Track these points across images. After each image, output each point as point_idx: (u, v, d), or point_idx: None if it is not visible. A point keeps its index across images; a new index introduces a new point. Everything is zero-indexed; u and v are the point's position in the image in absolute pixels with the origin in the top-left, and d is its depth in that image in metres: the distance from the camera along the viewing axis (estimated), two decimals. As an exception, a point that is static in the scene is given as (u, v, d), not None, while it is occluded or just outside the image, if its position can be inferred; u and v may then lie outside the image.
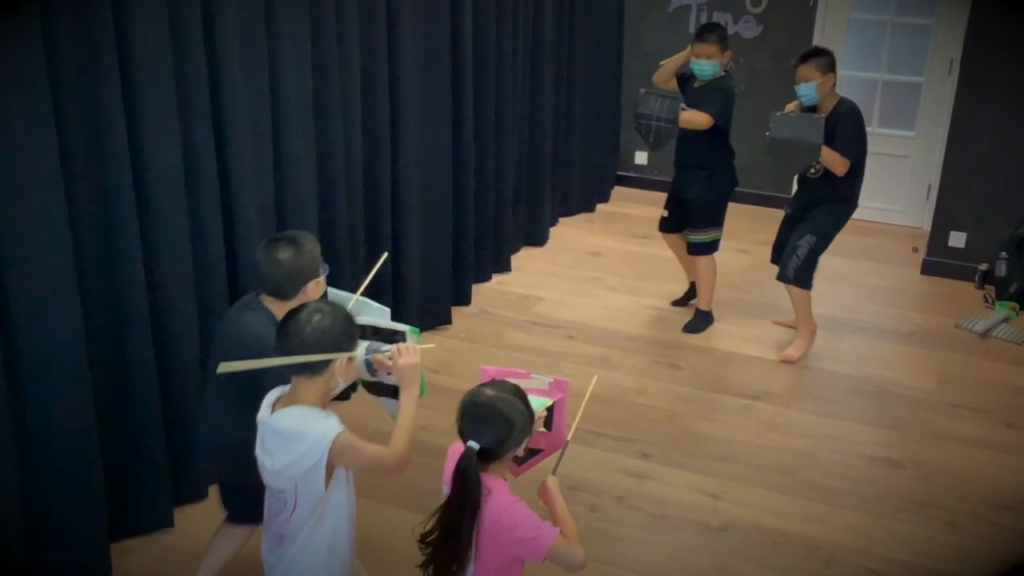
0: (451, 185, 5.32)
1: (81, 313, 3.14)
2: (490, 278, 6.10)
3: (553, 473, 2.55)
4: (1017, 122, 6.12)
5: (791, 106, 4.91)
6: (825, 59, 4.76)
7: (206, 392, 3.07)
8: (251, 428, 2.59)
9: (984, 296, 6.24)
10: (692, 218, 5.39)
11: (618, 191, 7.93)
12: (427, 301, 5.34)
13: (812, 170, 4.85)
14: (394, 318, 3.20)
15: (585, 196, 7.56)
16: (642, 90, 5.20)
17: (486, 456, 2.31)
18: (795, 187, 5.41)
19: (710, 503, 3.98)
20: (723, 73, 5.13)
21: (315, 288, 2.96)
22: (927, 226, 6.87)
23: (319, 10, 4.08)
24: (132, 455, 3.52)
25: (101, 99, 3.13)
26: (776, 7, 7.39)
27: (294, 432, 2.42)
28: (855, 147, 4.76)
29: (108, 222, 3.26)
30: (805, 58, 4.78)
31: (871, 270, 6.59)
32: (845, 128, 4.73)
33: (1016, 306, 5.97)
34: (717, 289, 5.91)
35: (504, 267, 6.23)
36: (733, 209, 5.58)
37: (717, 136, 5.11)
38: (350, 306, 2.76)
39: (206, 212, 3.63)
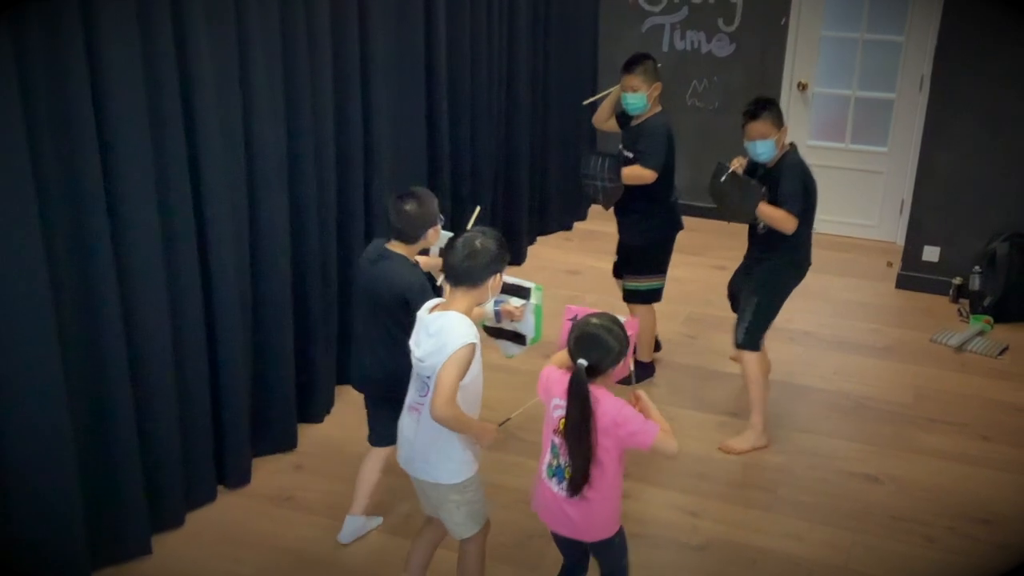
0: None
1: (57, 342, 3.12)
2: (468, 298, 6.09)
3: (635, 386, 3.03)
4: (987, 136, 6.19)
5: (736, 163, 4.47)
6: (776, 111, 4.34)
7: (363, 330, 3.68)
8: (403, 359, 3.18)
9: (959, 310, 6.29)
10: (629, 262, 5.06)
11: (595, 209, 7.94)
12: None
13: (760, 226, 4.49)
14: None
15: (562, 214, 7.58)
16: (581, 152, 4.98)
17: (592, 372, 2.80)
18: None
19: (689, 521, 3.98)
20: (659, 108, 4.82)
21: (434, 234, 3.56)
22: (901, 241, 6.92)
23: (291, 33, 4.08)
24: (109, 483, 3.49)
25: (73, 131, 3.12)
26: (749, 26, 7.46)
27: (441, 330, 2.92)
28: (801, 202, 4.30)
29: (82, 249, 3.24)
30: (755, 113, 4.31)
31: (846, 285, 6.63)
32: (790, 183, 4.30)
33: (990, 319, 6.02)
34: (694, 304, 5.93)
35: (481, 286, 6.21)
36: (708, 225, 5.60)
37: (655, 179, 4.77)
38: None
39: (180, 232, 3.61)
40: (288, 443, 4.40)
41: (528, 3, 6.62)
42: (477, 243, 2.95)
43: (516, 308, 3.57)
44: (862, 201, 7.52)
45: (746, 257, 4.78)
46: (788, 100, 7.52)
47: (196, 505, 3.93)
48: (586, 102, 5.25)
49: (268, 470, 4.25)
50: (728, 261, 6.53)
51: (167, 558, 3.68)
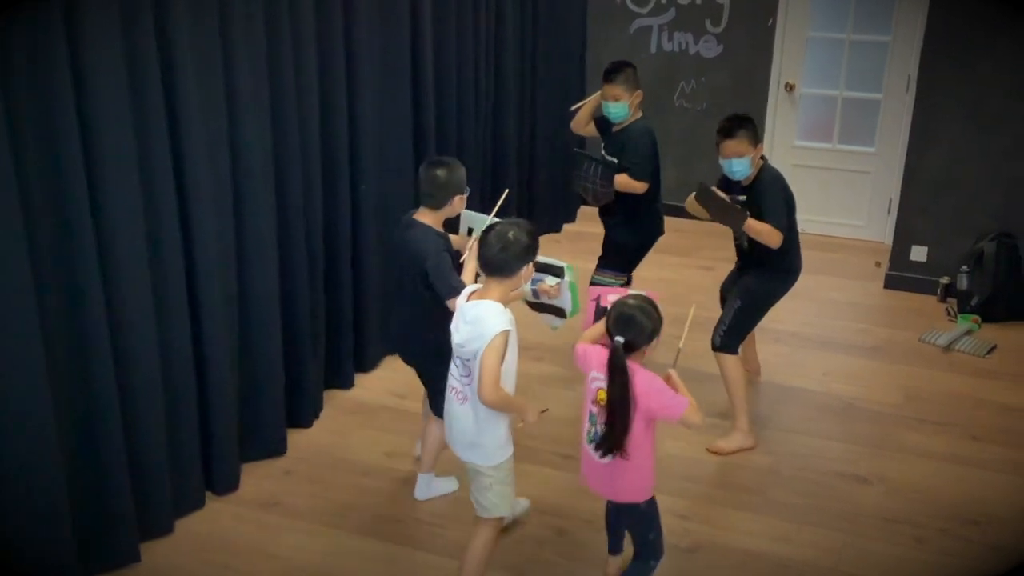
0: (411, 206, 5.28)
1: (42, 348, 3.08)
2: (456, 301, 6.07)
3: (673, 367, 3.25)
4: (974, 136, 6.21)
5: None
6: (752, 128, 4.31)
7: (399, 296, 3.91)
8: (435, 327, 3.54)
9: (946, 309, 6.30)
10: (605, 255, 5.11)
11: (584, 211, 7.94)
12: (389, 326, 5.31)
13: (746, 244, 4.53)
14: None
15: (551, 217, 7.57)
16: (575, 150, 4.90)
17: (628, 348, 3.07)
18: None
19: (679, 524, 3.97)
20: (640, 114, 4.86)
21: (459, 201, 3.80)
22: (889, 241, 6.94)
23: (275, 35, 4.05)
24: (97, 491, 3.46)
25: (56, 134, 3.09)
26: (736, 27, 7.47)
27: (477, 319, 3.11)
28: (785, 216, 4.33)
29: (67, 254, 3.20)
30: (731, 131, 4.29)
31: (835, 285, 6.64)
32: (771, 198, 4.33)
33: (978, 319, 6.03)
34: (681, 306, 5.89)
35: (470, 289, 6.20)
36: (695, 227, 5.56)
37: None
38: (487, 223, 3.55)
39: (165, 235, 3.57)
40: (277, 449, 4.38)
41: (515, 5, 6.61)
42: (510, 235, 3.13)
43: (551, 287, 3.83)
44: (850, 201, 7.54)
45: (737, 264, 4.80)
46: (775, 101, 7.54)
47: (184, 512, 3.90)
48: (573, 107, 5.24)
49: (257, 476, 4.22)
50: (715, 262, 6.55)
51: (156, 566, 3.65)
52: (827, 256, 7.10)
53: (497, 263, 3.13)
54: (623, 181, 4.73)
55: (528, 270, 3.21)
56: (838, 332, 5.93)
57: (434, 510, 4.03)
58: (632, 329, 3.09)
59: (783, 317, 5.53)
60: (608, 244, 5.13)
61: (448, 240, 3.83)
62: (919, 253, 6.55)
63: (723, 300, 5.03)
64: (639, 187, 4.75)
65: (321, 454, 4.43)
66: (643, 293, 3.31)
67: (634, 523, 3.39)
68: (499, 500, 3.30)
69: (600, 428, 3.15)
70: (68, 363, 3.29)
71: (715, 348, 4.60)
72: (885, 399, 5.08)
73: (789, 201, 4.40)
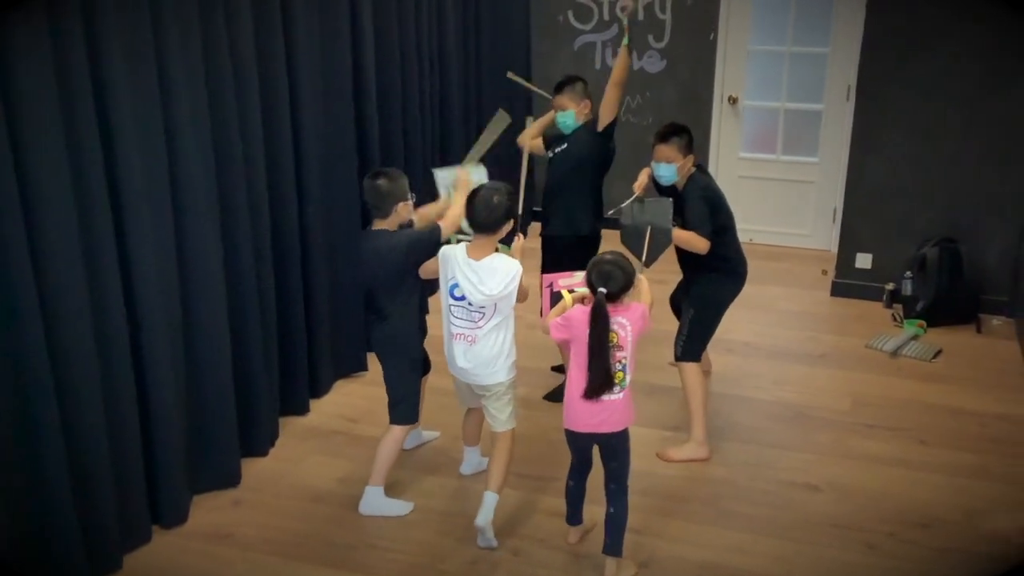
0: (359, 225, 5.27)
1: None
2: (407, 322, 6.04)
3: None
4: (914, 144, 6.31)
5: (639, 184, 4.61)
6: (685, 139, 4.49)
7: (372, 300, 4.07)
8: (410, 320, 4.07)
9: (892, 315, 6.38)
10: (544, 263, 5.03)
11: (536, 227, 7.94)
12: (341, 347, 5.29)
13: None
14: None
15: (500, 233, 7.56)
16: (509, 74, 5.05)
17: (611, 298, 3.51)
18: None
19: (633, 538, 3.96)
20: (592, 117, 4.93)
21: (404, 208, 4.04)
22: (835, 249, 7.02)
23: (213, 59, 4.02)
24: (43, 529, 3.39)
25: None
26: (679, 42, 7.54)
27: (501, 268, 3.77)
28: (707, 223, 4.43)
29: (4, 284, 3.14)
30: (665, 136, 4.49)
31: (783, 295, 6.71)
32: (692, 206, 4.46)
33: (924, 323, 6.12)
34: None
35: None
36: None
37: (585, 184, 4.92)
38: (466, 166, 4.40)
39: (103, 261, 3.51)
40: (231, 479, 4.31)
41: (458, 23, 6.63)
42: (494, 200, 3.73)
43: (462, 173, 4.37)
44: (795, 211, 7.63)
45: (683, 274, 4.84)
46: (719, 114, 7.62)
47: (132, 547, 3.82)
48: (512, 75, 5.37)
49: (206, 507, 4.16)
50: (667, 275, 6.54)
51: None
52: (774, 265, 7.18)
53: (487, 224, 3.74)
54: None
55: (509, 225, 3.80)
56: (787, 341, 5.98)
57: (387, 534, 4.00)
58: (612, 280, 3.49)
59: (733, 327, 5.57)
60: (545, 244, 5.11)
61: (402, 231, 4.08)
62: (864, 260, 6.64)
63: (675, 311, 5.06)
64: (610, 112, 4.88)
65: (273, 482, 4.38)
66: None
67: (623, 451, 3.72)
68: (512, 414, 3.96)
69: (613, 369, 3.56)
70: (5, 396, 3.21)
71: (677, 358, 4.65)
72: (834, 406, 5.13)
73: (714, 205, 4.50)
